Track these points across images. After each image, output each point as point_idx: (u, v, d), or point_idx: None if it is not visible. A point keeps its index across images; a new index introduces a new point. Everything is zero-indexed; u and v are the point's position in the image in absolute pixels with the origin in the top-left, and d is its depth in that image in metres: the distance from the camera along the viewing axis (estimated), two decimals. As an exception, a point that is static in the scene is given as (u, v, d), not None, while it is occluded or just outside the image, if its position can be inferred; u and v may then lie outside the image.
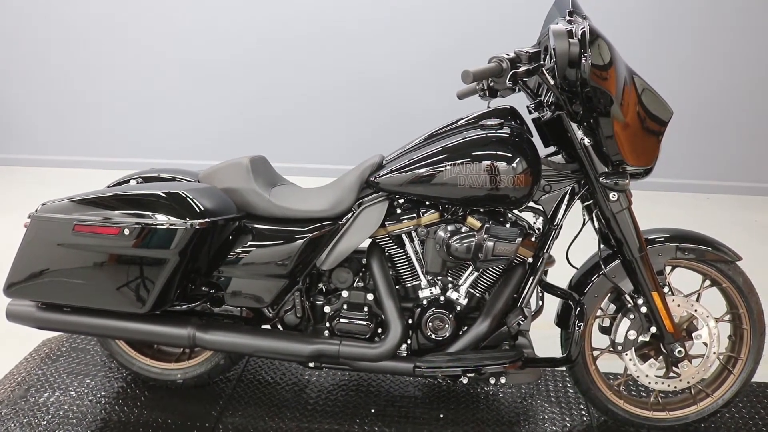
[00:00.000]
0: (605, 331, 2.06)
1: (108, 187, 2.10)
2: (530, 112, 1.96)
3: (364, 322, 1.98)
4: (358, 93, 4.83)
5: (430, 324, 1.93)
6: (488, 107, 1.95)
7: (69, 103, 5.09)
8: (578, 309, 1.89)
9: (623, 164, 1.80)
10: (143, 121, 5.09)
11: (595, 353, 2.05)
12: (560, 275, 2.05)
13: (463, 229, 1.86)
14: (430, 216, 1.92)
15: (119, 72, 4.98)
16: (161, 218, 1.84)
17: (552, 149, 1.99)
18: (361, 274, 2.04)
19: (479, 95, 2.01)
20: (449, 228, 1.87)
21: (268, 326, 2.08)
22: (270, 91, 4.90)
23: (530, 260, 1.93)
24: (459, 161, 1.82)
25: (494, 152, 1.82)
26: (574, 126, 1.81)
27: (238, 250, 1.97)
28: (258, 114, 4.96)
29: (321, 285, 2.07)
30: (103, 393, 2.27)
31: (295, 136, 4.98)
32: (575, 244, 1.96)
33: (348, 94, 4.85)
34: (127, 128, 5.12)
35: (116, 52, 4.94)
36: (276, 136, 4.97)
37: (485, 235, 1.81)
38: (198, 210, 1.85)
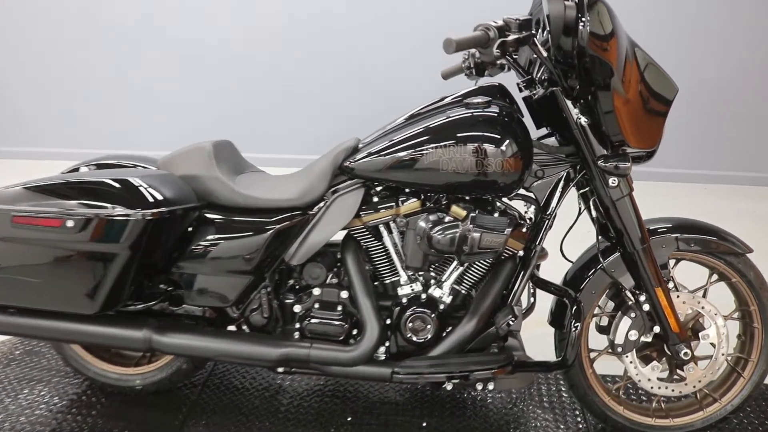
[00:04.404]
0: (603, 330, 1.88)
1: (61, 174, 1.90)
2: (520, 90, 1.77)
3: (338, 323, 1.79)
4: (340, 79, 4.64)
5: (410, 325, 1.74)
6: (476, 86, 1.77)
7: (33, 92, 4.88)
8: (574, 308, 1.71)
9: (624, 146, 1.62)
10: (111, 111, 4.87)
11: (592, 355, 1.87)
12: (554, 270, 1.87)
13: (447, 218, 1.68)
14: (410, 205, 1.73)
15: (85, 59, 4.76)
16: (109, 208, 1.64)
17: (545, 131, 1.81)
18: (335, 269, 1.85)
19: (465, 74, 1.83)
20: (431, 218, 1.69)
21: (233, 327, 1.89)
22: (248, 81, 4.71)
23: (521, 253, 1.75)
24: (441, 143, 1.63)
25: (480, 133, 1.63)
26: (570, 104, 1.62)
27: (199, 243, 1.78)
28: (236, 104, 4.76)
29: (292, 281, 1.88)
30: (56, 400, 2.07)
31: (275, 125, 4.78)
32: (571, 235, 1.78)
33: (330, 81, 4.66)
34: (92, 117, 4.89)
35: (80, 38, 4.71)
36: (254, 125, 4.77)
37: (471, 226, 1.63)
38: (151, 199, 1.66)
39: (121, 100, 4.84)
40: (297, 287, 1.88)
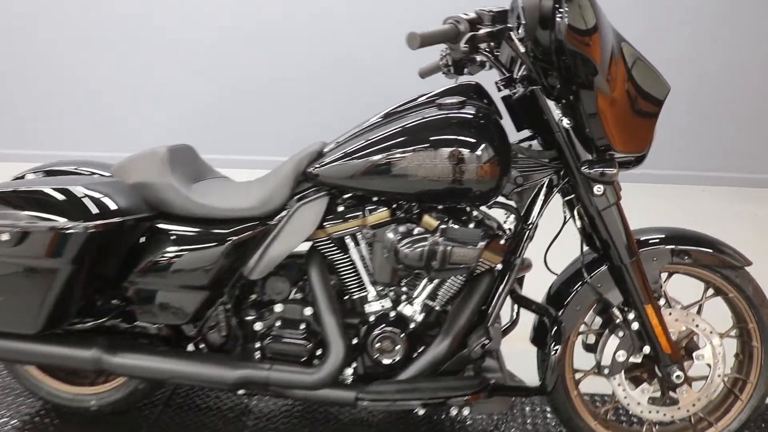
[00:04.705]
0: (590, 348, 1.74)
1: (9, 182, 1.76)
2: (499, 90, 1.63)
3: (301, 342, 1.65)
4: (326, 78, 4.49)
5: (378, 345, 1.60)
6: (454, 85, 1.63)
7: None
8: (555, 329, 1.56)
9: (610, 150, 1.48)
10: (66, 113, 4.70)
11: (578, 376, 1.73)
12: (542, 281, 1.73)
13: (416, 230, 1.54)
14: (378, 214, 1.59)
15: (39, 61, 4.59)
16: (49, 220, 1.51)
17: (527, 133, 1.67)
18: (300, 283, 1.71)
19: (443, 72, 1.69)
20: (400, 229, 1.55)
21: (192, 346, 1.75)
22: (229, 81, 4.55)
23: (499, 267, 1.60)
24: (410, 148, 1.49)
25: (453, 137, 1.49)
26: (551, 104, 1.48)
27: (151, 256, 1.64)
28: (213, 104, 4.60)
29: (255, 296, 1.74)
30: (4, 421, 1.94)
31: (254, 125, 4.61)
32: (557, 244, 1.64)
33: (316, 81, 4.51)
34: (45, 119, 4.73)
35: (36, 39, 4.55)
36: (233, 126, 4.61)
37: (440, 239, 1.48)
38: (94, 210, 1.53)
39: (93, 100, 4.68)
40: (260, 302, 1.74)
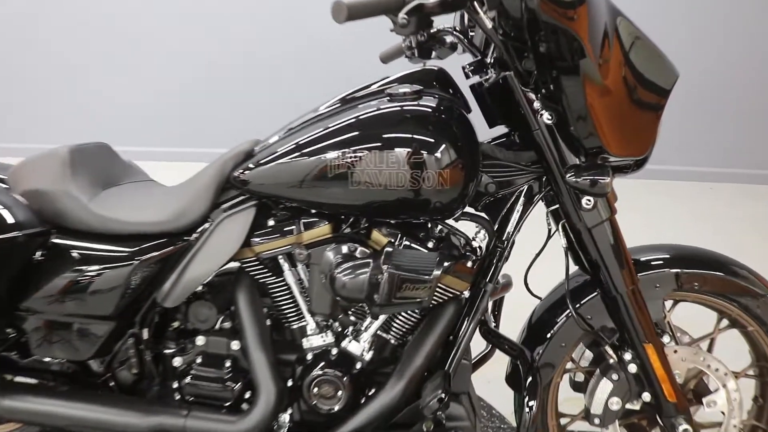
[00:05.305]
0: (578, 387, 1.46)
1: None
2: (468, 76, 1.33)
3: (226, 383, 1.36)
4: (283, 62, 4.19)
5: (316, 390, 1.31)
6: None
7: None
8: (530, 379, 1.27)
9: (603, 153, 1.18)
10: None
11: (564, 421, 1.44)
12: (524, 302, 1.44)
13: (360, 251, 1.24)
14: (316, 230, 1.29)
15: None
16: None
17: (502, 130, 1.37)
18: (230, 310, 1.42)
19: (406, 56, 1.40)
20: (342, 250, 1.25)
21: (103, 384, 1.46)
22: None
23: (466, 294, 1.31)
24: (352, 149, 1.19)
25: (405, 135, 1.19)
26: (530, 95, 1.18)
27: (45, 278, 1.35)
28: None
29: (177, 323, 1.45)
30: None
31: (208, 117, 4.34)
32: (543, 262, 1.35)
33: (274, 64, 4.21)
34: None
35: None
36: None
37: (384, 264, 1.18)
38: (-34, 223, 1.24)
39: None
40: (184, 330, 1.45)
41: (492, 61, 1.26)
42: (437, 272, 1.16)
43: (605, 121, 1.13)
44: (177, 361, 1.41)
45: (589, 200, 1.19)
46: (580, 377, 1.46)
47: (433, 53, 1.37)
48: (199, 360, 1.39)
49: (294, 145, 1.26)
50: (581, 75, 1.10)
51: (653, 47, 1.19)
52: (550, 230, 1.38)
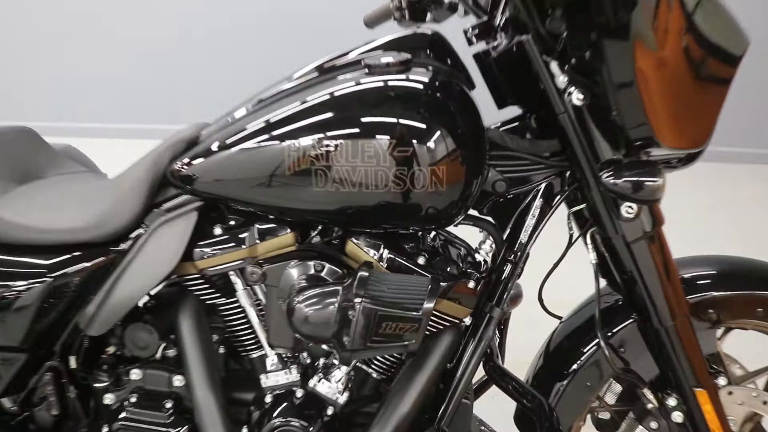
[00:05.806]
0: (603, 426, 1.19)
1: None
2: (470, 42, 1.04)
3: (165, 429, 1.09)
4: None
5: (275, 442, 1.04)
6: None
7: None
8: (546, 425, 0.99)
9: (651, 145, 0.89)
10: None
11: (587, 470, 1.18)
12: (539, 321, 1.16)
13: (327, 270, 0.96)
14: (275, 241, 1.01)
15: None
16: None
17: (514, 112, 1.07)
18: (174, 336, 1.14)
19: (394, 18, 1.15)
20: (306, 269, 0.97)
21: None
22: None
23: (468, 320, 1.03)
24: (318, 137, 0.91)
25: (389, 119, 0.91)
26: (554, 66, 0.89)
27: (-60, 299, 1.07)
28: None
29: (113, 348, 1.18)
30: None
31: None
32: (563, 269, 1.07)
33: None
34: None
35: None
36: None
37: (358, 295, 0.90)
38: None
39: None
40: (121, 357, 1.18)
41: (503, 22, 0.98)
42: (429, 305, 0.88)
43: (660, 101, 0.84)
44: (108, 399, 1.13)
45: (630, 208, 0.91)
46: (605, 414, 1.20)
47: (429, 15, 1.11)
48: (133, 398, 1.11)
49: (246, 133, 0.97)
50: (631, 37, 0.80)
51: (722, 7, 0.89)
52: (571, 235, 1.10)
